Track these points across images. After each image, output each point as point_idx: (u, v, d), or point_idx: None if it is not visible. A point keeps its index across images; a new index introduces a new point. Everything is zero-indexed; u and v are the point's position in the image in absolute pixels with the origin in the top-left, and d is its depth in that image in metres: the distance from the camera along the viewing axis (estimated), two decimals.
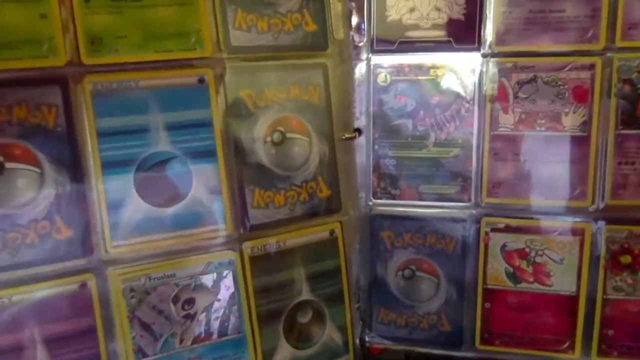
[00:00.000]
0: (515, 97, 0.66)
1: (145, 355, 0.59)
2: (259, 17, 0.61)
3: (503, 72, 0.66)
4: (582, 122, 0.64)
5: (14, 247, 0.53)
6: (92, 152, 0.55)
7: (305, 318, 0.67)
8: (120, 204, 0.57)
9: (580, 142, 0.65)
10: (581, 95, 0.64)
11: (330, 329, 0.68)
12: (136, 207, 0.57)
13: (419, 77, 0.68)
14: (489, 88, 0.66)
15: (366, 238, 0.71)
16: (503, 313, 0.69)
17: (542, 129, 0.66)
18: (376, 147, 0.70)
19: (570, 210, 0.66)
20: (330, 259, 0.67)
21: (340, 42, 0.66)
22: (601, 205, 0.65)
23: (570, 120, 0.65)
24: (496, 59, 0.66)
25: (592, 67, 0.64)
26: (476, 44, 0.66)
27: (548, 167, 0.66)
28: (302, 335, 0.67)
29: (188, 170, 0.59)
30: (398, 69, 0.68)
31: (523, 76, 0.65)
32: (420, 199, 0.70)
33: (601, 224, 0.65)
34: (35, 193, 0.53)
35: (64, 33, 0.54)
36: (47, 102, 0.53)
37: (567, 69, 0.64)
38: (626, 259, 0.65)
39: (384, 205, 0.71)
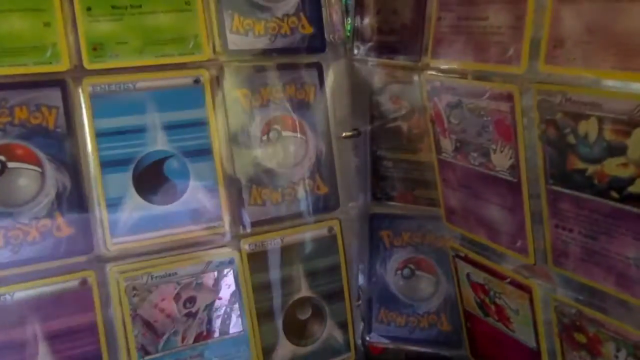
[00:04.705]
0: (449, 121, 0.53)
1: (147, 353, 0.59)
2: (255, 21, 0.63)
3: (435, 90, 0.53)
4: (511, 165, 0.50)
5: (16, 245, 0.54)
6: (91, 152, 0.57)
7: (305, 315, 0.67)
8: (119, 202, 0.58)
9: (512, 188, 0.51)
10: (504, 132, 0.49)
11: (330, 326, 0.68)
12: (135, 205, 0.58)
13: (411, 80, 0.63)
14: (428, 107, 0.56)
15: (365, 237, 0.70)
16: (482, 337, 0.64)
17: (476, 163, 0.53)
18: (374, 148, 0.69)
19: (515, 262, 0.53)
20: (329, 256, 0.67)
21: (337, 44, 0.67)
22: (545, 270, 0.51)
23: (499, 159, 0.51)
24: (430, 72, 0.55)
25: (510, 97, 0.47)
26: (417, 54, 0.57)
27: (488, 208, 0.54)
28: (302, 332, 0.67)
29: (185, 168, 0.60)
30: (392, 71, 0.66)
31: (449, 98, 0.52)
32: (415, 203, 0.67)
33: (546, 291, 0.51)
34: (36, 192, 0.55)
35: (67, 40, 0.55)
36: (47, 104, 0.55)
37: (486, 96, 0.49)
38: (581, 338, 0.50)
39: (383, 205, 0.70)
